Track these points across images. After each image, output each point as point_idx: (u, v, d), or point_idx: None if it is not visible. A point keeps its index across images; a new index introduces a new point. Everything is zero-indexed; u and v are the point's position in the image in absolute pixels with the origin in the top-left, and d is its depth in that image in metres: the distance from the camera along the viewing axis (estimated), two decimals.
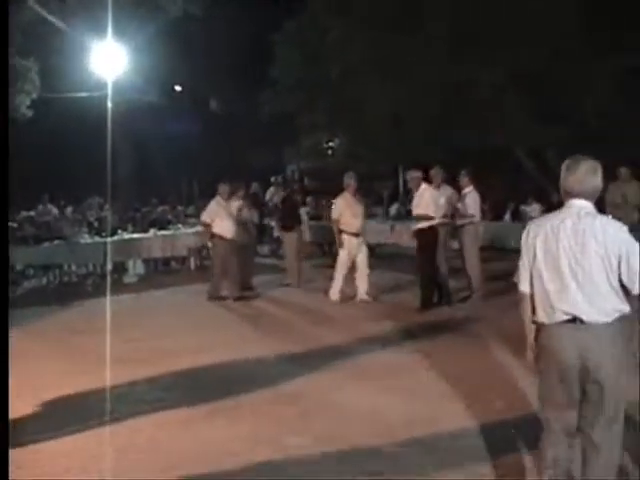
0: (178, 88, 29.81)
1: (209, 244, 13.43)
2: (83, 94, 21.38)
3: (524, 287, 4.17)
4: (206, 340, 9.49)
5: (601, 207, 4.14)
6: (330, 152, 28.09)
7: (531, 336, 4.21)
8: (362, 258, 11.98)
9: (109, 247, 14.88)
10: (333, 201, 12.56)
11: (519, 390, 6.63)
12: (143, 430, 6.01)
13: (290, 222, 14.30)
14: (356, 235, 11.91)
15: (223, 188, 13.01)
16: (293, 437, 5.71)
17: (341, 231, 11.92)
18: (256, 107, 22.51)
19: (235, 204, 13.46)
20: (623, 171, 11.72)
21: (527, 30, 15.33)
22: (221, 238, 12.75)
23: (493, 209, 18.94)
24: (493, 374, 7.21)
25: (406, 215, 11.53)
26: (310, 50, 19.56)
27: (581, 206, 3.99)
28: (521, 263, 4.19)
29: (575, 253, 3.92)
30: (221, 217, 12.81)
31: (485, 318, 10.15)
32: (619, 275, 3.89)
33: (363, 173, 12.70)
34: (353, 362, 7.98)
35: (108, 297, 12.59)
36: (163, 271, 17.09)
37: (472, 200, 11.44)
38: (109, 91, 18.99)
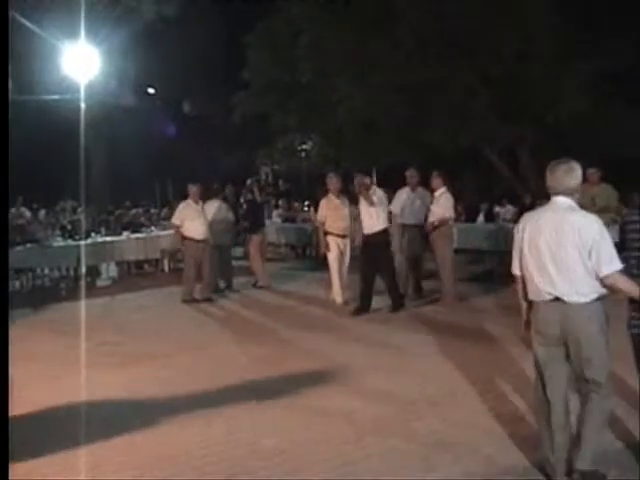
0: (151, 90, 29.71)
1: (181, 247, 13.34)
2: (56, 96, 21.29)
3: (516, 270, 4.83)
4: (180, 343, 9.47)
5: None
6: (303, 154, 28.09)
7: (525, 312, 4.86)
8: (345, 260, 11.98)
9: (82, 250, 14.75)
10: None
11: (495, 389, 6.73)
12: (119, 435, 6.00)
13: (254, 225, 14.37)
14: (342, 236, 11.88)
15: (193, 189, 12.95)
16: (268, 440, 5.73)
17: (327, 233, 11.94)
18: (229, 109, 22.46)
19: (216, 205, 13.52)
20: (593, 173, 11.82)
21: (498, 31, 15.43)
22: (192, 240, 12.70)
23: (466, 211, 19.00)
24: (465, 374, 7.27)
25: None
26: (282, 52, 19.56)
27: (562, 202, 4.60)
28: (514, 250, 4.83)
29: (554, 242, 4.52)
30: (191, 219, 12.73)
31: (457, 320, 10.22)
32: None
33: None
34: (327, 364, 7.98)
35: (83, 300, 12.55)
36: (137, 274, 17.03)
37: (445, 201, 11.48)
38: (82, 93, 18.94)
